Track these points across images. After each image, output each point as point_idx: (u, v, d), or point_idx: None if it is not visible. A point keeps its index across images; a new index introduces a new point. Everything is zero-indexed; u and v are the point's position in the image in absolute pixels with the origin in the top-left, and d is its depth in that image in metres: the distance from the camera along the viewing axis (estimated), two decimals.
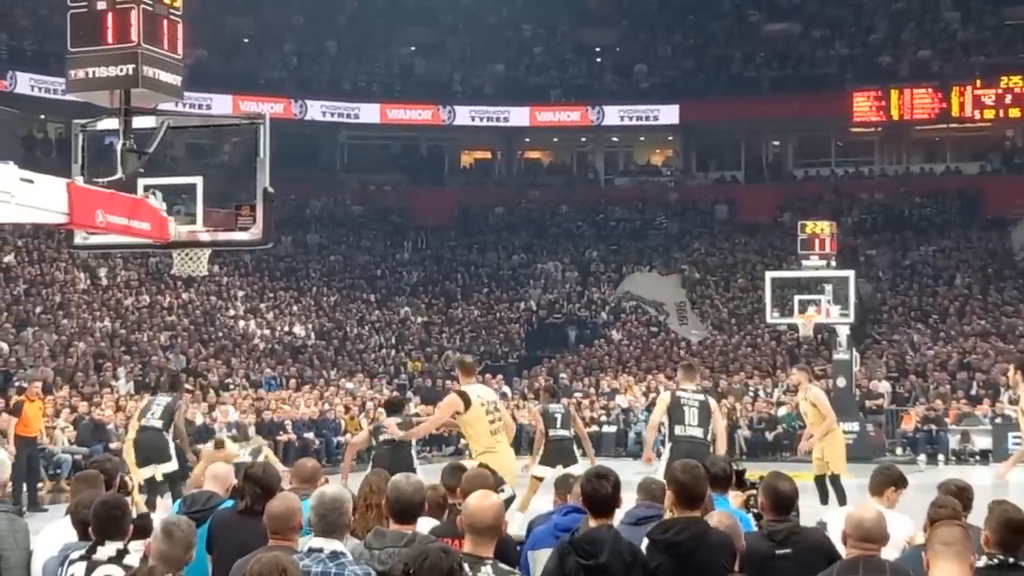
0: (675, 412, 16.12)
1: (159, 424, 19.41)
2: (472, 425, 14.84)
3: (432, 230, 54.38)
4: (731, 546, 7.58)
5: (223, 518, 8.57)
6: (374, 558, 7.22)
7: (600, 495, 7.77)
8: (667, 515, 8.07)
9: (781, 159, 57.42)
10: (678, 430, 16.02)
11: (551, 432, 19.58)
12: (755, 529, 8.55)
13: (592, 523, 7.73)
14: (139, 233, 12.76)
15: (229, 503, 9.24)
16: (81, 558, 7.44)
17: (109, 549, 7.37)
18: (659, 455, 16.54)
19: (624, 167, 59.52)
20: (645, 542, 7.56)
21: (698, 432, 16.07)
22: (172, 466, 19.65)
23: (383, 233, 53.89)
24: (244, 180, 14.10)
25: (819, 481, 19.88)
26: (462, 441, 34.75)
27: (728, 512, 8.38)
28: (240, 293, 44.69)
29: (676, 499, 7.75)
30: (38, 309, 36.12)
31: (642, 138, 58.72)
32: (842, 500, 19.10)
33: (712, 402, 16.84)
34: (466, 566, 6.33)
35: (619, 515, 8.03)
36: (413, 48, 58.56)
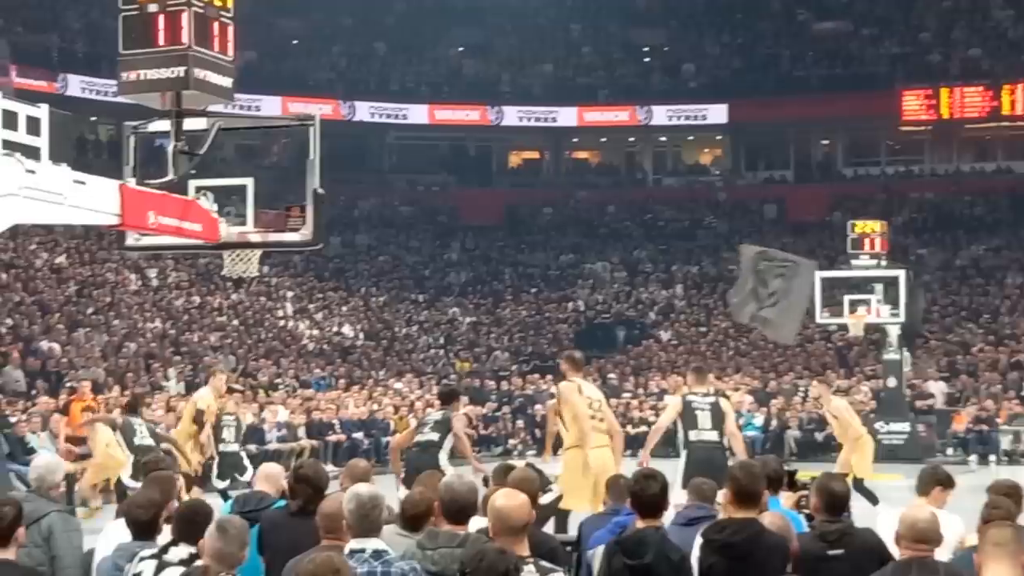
0: (687, 417, 15.87)
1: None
2: (573, 417, 14.91)
3: (480, 230, 54.41)
4: (786, 547, 7.53)
5: (273, 520, 8.58)
6: (427, 558, 7.22)
7: (648, 495, 7.77)
8: (721, 515, 8.04)
9: (830, 158, 57.13)
10: (692, 435, 15.78)
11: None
12: (806, 530, 8.51)
13: (640, 524, 7.73)
14: (190, 234, 12.82)
15: (281, 503, 9.27)
16: (152, 556, 7.46)
17: (182, 551, 7.37)
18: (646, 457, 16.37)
19: (672, 167, 59.40)
20: (698, 542, 7.52)
21: (712, 435, 15.84)
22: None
23: (431, 233, 53.96)
24: (293, 181, 14.14)
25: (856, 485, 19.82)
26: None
27: (780, 513, 8.35)
28: (289, 294, 44.85)
29: (733, 498, 7.69)
30: (89, 310, 36.32)
31: (690, 138, 58.57)
32: (874, 501, 19.05)
33: (723, 403, 16.57)
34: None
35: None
36: (461, 49, 58.61)
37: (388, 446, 30.84)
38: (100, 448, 20.58)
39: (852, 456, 20.20)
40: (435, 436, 15.40)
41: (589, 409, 14.99)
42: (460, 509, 7.45)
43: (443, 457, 15.29)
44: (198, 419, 20.57)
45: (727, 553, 7.36)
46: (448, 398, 16.67)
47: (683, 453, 15.76)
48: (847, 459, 20.22)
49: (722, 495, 8.01)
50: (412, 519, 7.85)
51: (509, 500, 7.02)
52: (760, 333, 44.61)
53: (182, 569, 7.29)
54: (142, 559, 7.48)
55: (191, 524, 7.52)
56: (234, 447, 21.10)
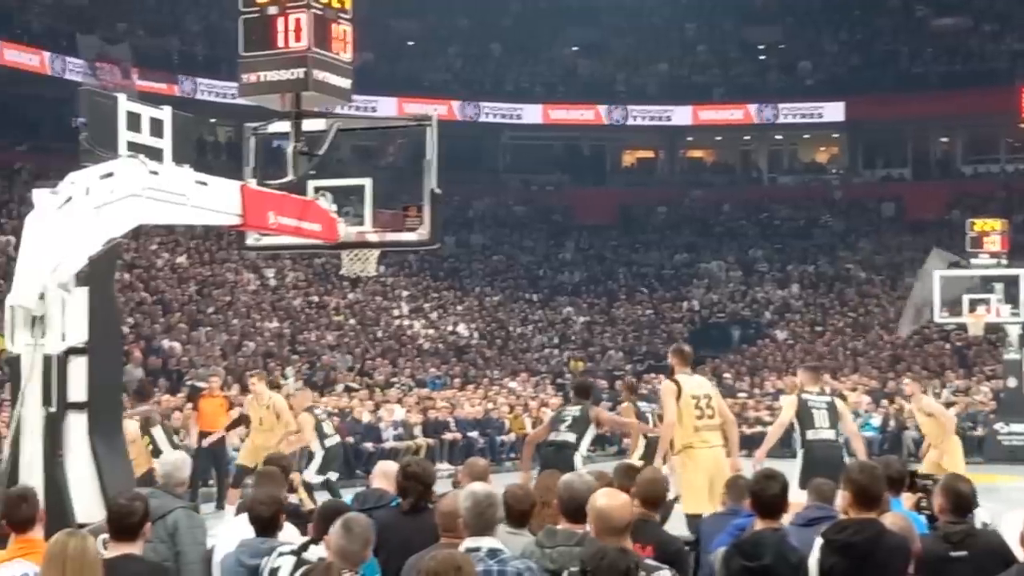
0: (804, 416, 15.77)
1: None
2: (666, 417, 14.83)
3: (594, 230, 54.38)
4: (907, 548, 7.43)
5: (385, 519, 8.62)
6: (545, 556, 7.23)
7: (768, 496, 7.73)
8: (842, 516, 7.96)
9: (949, 156, 56.41)
10: (810, 434, 15.68)
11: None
12: (927, 531, 8.41)
13: (759, 525, 7.69)
14: (309, 234, 12.94)
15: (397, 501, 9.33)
16: (292, 553, 7.54)
17: (321, 550, 7.42)
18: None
19: (788, 165, 59.01)
20: (818, 543, 7.45)
21: (830, 434, 15.75)
22: None
23: (545, 233, 54.04)
24: (409, 181, 14.22)
25: None
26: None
27: (902, 514, 8.25)
28: (405, 293, 45.13)
29: (853, 499, 7.59)
30: (209, 309, 36.81)
31: (807, 136, 58.09)
32: None
33: (839, 403, 16.46)
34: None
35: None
36: (576, 49, 58.61)
37: (502, 445, 31.17)
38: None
39: (944, 456, 19.82)
40: (571, 436, 15.10)
41: (696, 408, 14.84)
42: (579, 508, 7.43)
43: (578, 460, 14.85)
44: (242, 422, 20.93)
45: (847, 554, 7.28)
46: (584, 391, 16.31)
47: (800, 452, 15.64)
48: (937, 460, 19.83)
49: (842, 496, 7.93)
50: (517, 516, 7.86)
51: (611, 500, 7.04)
52: (877, 333, 44.25)
53: None
54: (281, 555, 7.56)
55: (331, 523, 7.58)
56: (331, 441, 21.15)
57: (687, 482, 14.72)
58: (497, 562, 6.94)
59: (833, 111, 53.20)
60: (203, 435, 23.02)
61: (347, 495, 9.51)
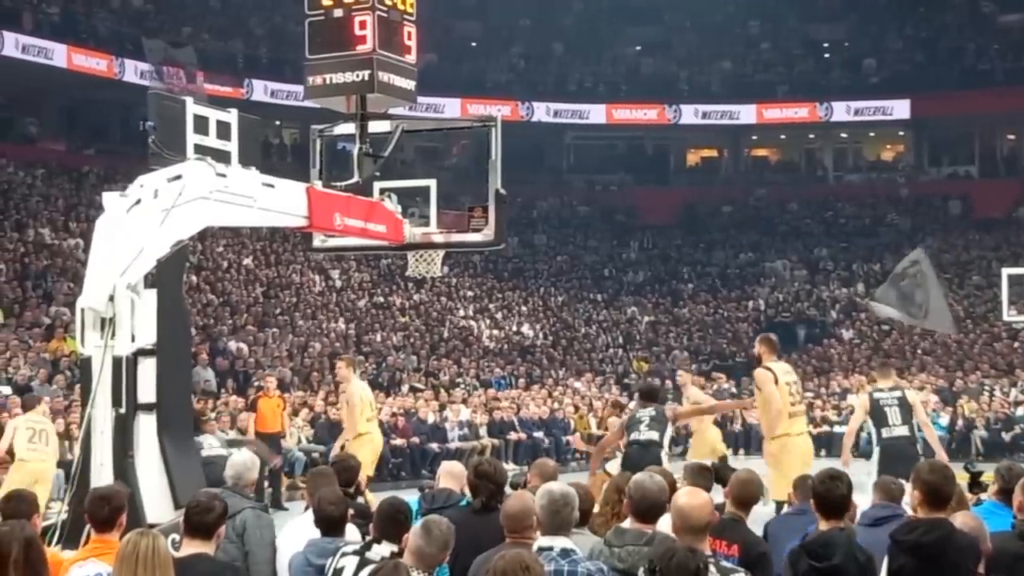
0: (877, 414, 15.79)
1: None
2: (770, 404, 14.82)
3: (658, 229, 54.27)
4: (977, 548, 7.32)
5: (455, 518, 8.64)
6: (614, 555, 7.23)
7: (833, 496, 7.68)
8: (911, 515, 7.90)
9: (1017, 153, 55.89)
10: (884, 432, 15.69)
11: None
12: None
13: (824, 525, 7.63)
14: (375, 235, 13.00)
15: (466, 501, 9.34)
16: (355, 552, 7.55)
17: (383, 549, 7.44)
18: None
19: (854, 163, 58.67)
20: (889, 543, 7.39)
21: (904, 430, 15.72)
22: None
23: (609, 233, 53.96)
24: (472, 182, 14.25)
25: None
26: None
27: (973, 513, 8.17)
28: (469, 294, 45.19)
29: (923, 499, 7.51)
30: (276, 311, 37.01)
31: (872, 133, 57.70)
32: None
33: (910, 395, 16.44)
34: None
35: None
36: (639, 48, 58.50)
37: (568, 445, 31.14)
38: None
39: None
40: (655, 434, 15.08)
41: (789, 395, 14.92)
42: (649, 508, 7.42)
43: (664, 457, 14.88)
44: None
45: (917, 554, 7.20)
46: (652, 395, 16.20)
47: (876, 451, 15.61)
48: None
49: (912, 496, 7.86)
50: (580, 515, 7.86)
51: (692, 499, 7.00)
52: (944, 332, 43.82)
53: None
54: (344, 555, 7.57)
55: (393, 522, 7.60)
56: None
57: (783, 470, 14.66)
58: (568, 562, 6.93)
59: (898, 108, 52.79)
60: (260, 436, 23.11)
61: (412, 495, 9.49)
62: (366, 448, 18.76)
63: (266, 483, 23.07)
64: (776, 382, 15.03)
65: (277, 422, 23.67)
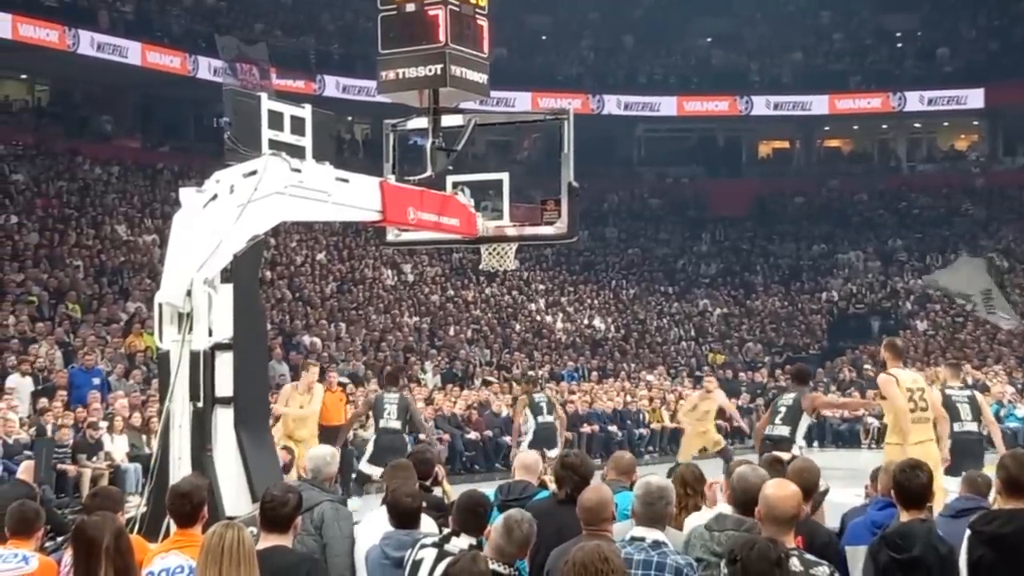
0: (950, 410, 15.86)
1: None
2: (894, 409, 14.78)
3: (730, 221, 54.05)
4: None
5: (540, 508, 8.62)
6: (713, 539, 7.29)
7: (914, 487, 7.61)
8: (995, 506, 7.82)
9: None
10: (956, 427, 15.83)
11: (539, 419, 20.61)
12: None
13: (904, 516, 7.57)
14: (449, 229, 13.03)
15: (545, 493, 9.35)
16: (433, 544, 7.58)
17: (462, 542, 7.47)
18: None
19: (927, 153, 58.17)
20: (967, 534, 7.33)
21: (973, 426, 16.06)
22: None
23: (681, 225, 53.83)
24: (543, 175, 14.25)
25: None
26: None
27: None
28: (541, 287, 45.20)
29: (1003, 489, 7.42)
30: (350, 305, 37.17)
31: (946, 123, 57.16)
32: None
33: (979, 396, 16.80)
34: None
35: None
36: (709, 39, 58.27)
37: (641, 438, 31.16)
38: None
39: None
40: (786, 430, 14.93)
41: (910, 402, 14.74)
42: (749, 500, 7.34)
43: (796, 450, 14.79)
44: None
45: (995, 545, 7.12)
46: (802, 377, 16.13)
47: (947, 444, 15.54)
48: None
49: (994, 486, 7.78)
50: None
51: (779, 490, 6.97)
52: (1021, 322, 43.41)
53: None
54: (423, 547, 7.60)
55: (472, 515, 7.64)
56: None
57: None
58: (659, 554, 6.96)
59: (973, 98, 52.26)
60: (323, 429, 23.34)
61: (489, 488, 9.50)
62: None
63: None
64: (898, 384, 14.87)
65: (340, 415, 23.84)
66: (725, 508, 7.79)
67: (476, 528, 7.55)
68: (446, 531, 7.87)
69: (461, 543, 7.43)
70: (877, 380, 15.88)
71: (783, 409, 15.17)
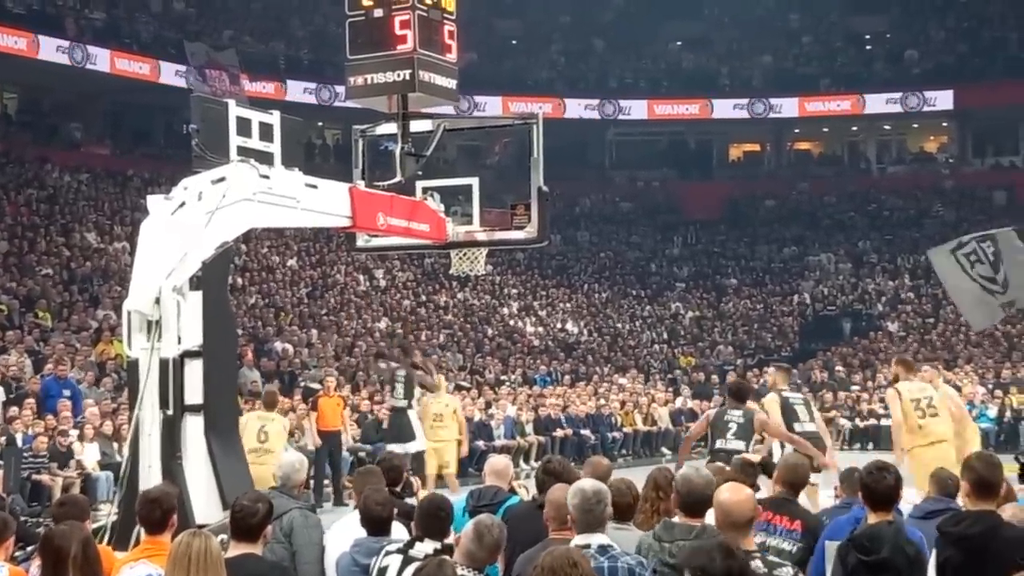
0: (787, 412, 16.39)
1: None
2: (895, 422, 15.81)
3: (702, 224, 54.16)
4: None
5: (519, 513, 8.62)
6: (664, 551, 7.22)
7: (880, 488, 7.62)
8: (963, 507, 7.85)
9: None
10: (797, 427, 16.20)
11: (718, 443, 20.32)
12: None
13: (872, 518, 7.58)
14: (419, 235, 13.03)
15: (515, 499, 9.35)
16: (398, 551, 7.56)
17: (427, 547, 7.45)
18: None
19: (897, 155, 58.42)
20: (934, 535, 7.35)
21: (811, 427, 16.47)
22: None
23: (652, 229, 53.92)
24: (514, 180, 14.26)
25: None
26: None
27: (1023, 505, 8.11)
28: (513, 291, 45.21)
29: (971, 490, 7.43)
30: (321, 311, 37.12)
31: (915, 125, 57.40)
32: None
33: (810, 398, 18.44)
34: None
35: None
36: (679, 43, 58.41)
37: (614, 441, 31.19)
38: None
39: None
40: (740, 444, 14.84)
41: (917, 410, 15.58)
42: (696, 502, 7.40)
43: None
44: None
45: (963, 546, 7.13)
46: (743, 395, 15.39)
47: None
48: None
49: (962, 487, 7.80)
50: (622, 509, 7.89)
51: (734, 494, 6.97)
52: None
53: None
54: (388, 553, 7.59)
55: (435, 519, 7.62)
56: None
57: (917, 480, 14.84)
58: (608, 558, 6.93)
59: (942, 99, 52.47)
60: (322, 434, 23.48)
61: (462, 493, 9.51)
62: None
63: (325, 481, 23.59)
64: (900, 399, 15.80)
65: (338, 420, 23.98)
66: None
67: (439, 532, 7.55)
68: (410, 537, 7.86)
69: (425, 548, 7.42)
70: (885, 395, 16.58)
71: (734, 426, 14.90)
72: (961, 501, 7.99)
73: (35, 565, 7.34)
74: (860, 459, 14.36)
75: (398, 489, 10.22)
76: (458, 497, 10.08)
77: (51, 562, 6.66)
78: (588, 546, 6.97)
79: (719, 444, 14.72)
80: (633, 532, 7.83)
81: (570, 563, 5.88)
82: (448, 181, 14.19)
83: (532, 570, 6.03)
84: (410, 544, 7.55)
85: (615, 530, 7.55)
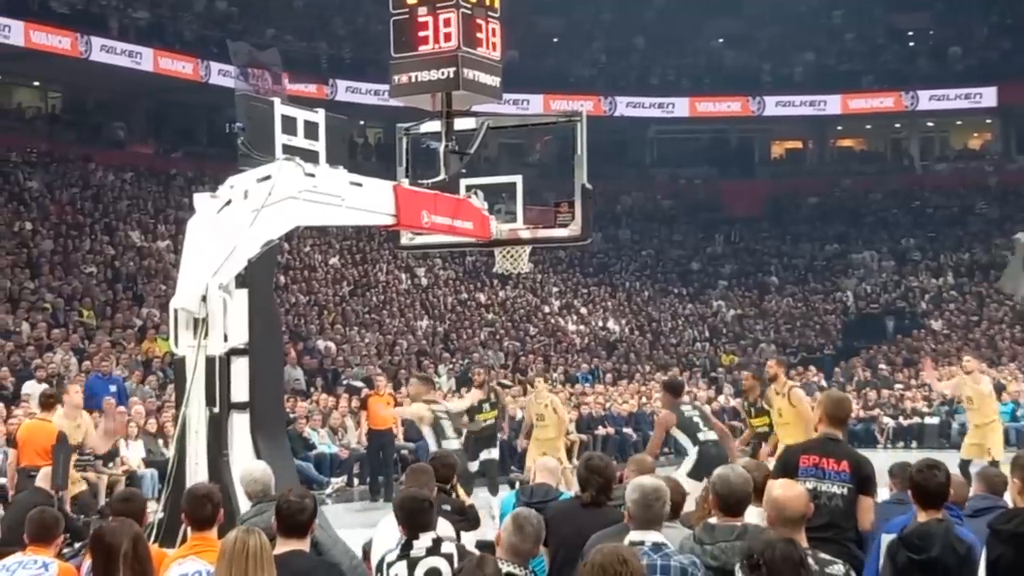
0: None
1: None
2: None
3: (744, 222, 53.99)
4: None
5: (564, 510, 8.60)
6: (706, 553, 7.16)
7: (931, 486, 7.57)
8: (1011, 505, 7.79)
9: None
10: (700, 436, 15.43)
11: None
12: None
13: (922, 516, 7.52)
14: (462, 232, 13.03)
15: (567, 495, 9.32)
16: (399, 558, 7.44)
17: (424, 541, 7.42)
18: None
19: (940, 152, 58.07)
20: (985, 534, 7.29)
21: (712, 435, 15.71)
22: None
23: (694, 226, 53.79)
24: (556, 178, 14.25)
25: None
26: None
27: None
28: (555, 290, 45.20)
29: (1022, 488, 7.44)
30: (363, 309, 37.19)
31: (959, 122, 57.02)
32: None
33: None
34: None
35: None
36: (721, 40, 58.18)
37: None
38: None
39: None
40: (712, 432, 15.07)
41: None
42: (737, 501, 7.37)
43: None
44: None
45: (1015, 543, 7.10)
46: (675, 391, 15.68)
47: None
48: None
49: (1011, 485, 7.75)
50: (671, 508, 7.85)
51: (787, 490, 6.95)
52: None
53: (433, 560, 7.33)
54: (390, 564, 7.47)
55: (420, 514, 7.55)
56: None
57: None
58: (661, 556, 6.87)
59: (985, 96, 52.13)
60: (373, 433, 23.61)
61: (504, 492, 9.49)
62: None
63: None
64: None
65: (388, 419, 24.04)
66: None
67: (428, 525, 7.51)
68: (403, 540, 7.69)
69: (423, 543, 7.39)
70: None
71: (698, 419, 15.08)
72: (1010, 499, 7.92)
73: (86, 562, 7.36)
74: (904, 457, 14.35)
75: (447, 486, 10.19)
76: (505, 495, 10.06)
77: (102, 559, 6.72)
78: (642, 543, 6.94)
79: (702, 437, 14.86)
80: (681, 530, 7.80)
81: (620, 560, 5.87)
82: (492, 179, 14.19)
83: (582, 567, 6.03)
84: (407, 546, 7.46)
85: (665, 528, 7.52)
